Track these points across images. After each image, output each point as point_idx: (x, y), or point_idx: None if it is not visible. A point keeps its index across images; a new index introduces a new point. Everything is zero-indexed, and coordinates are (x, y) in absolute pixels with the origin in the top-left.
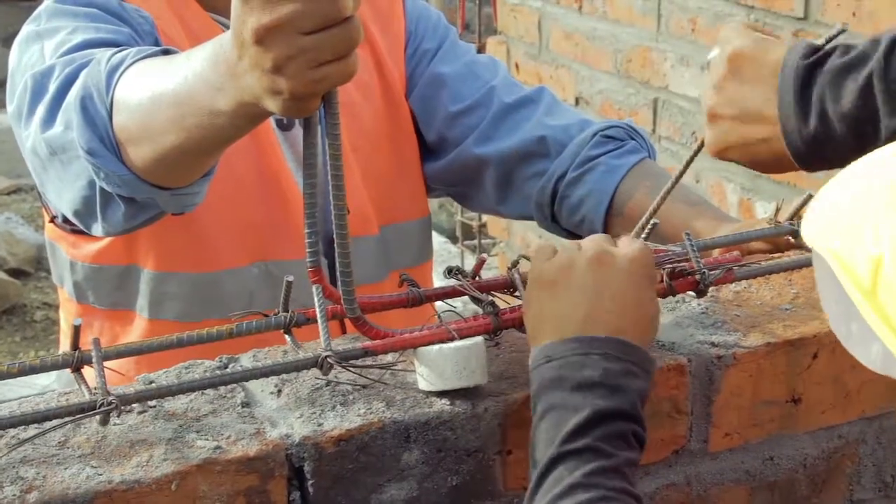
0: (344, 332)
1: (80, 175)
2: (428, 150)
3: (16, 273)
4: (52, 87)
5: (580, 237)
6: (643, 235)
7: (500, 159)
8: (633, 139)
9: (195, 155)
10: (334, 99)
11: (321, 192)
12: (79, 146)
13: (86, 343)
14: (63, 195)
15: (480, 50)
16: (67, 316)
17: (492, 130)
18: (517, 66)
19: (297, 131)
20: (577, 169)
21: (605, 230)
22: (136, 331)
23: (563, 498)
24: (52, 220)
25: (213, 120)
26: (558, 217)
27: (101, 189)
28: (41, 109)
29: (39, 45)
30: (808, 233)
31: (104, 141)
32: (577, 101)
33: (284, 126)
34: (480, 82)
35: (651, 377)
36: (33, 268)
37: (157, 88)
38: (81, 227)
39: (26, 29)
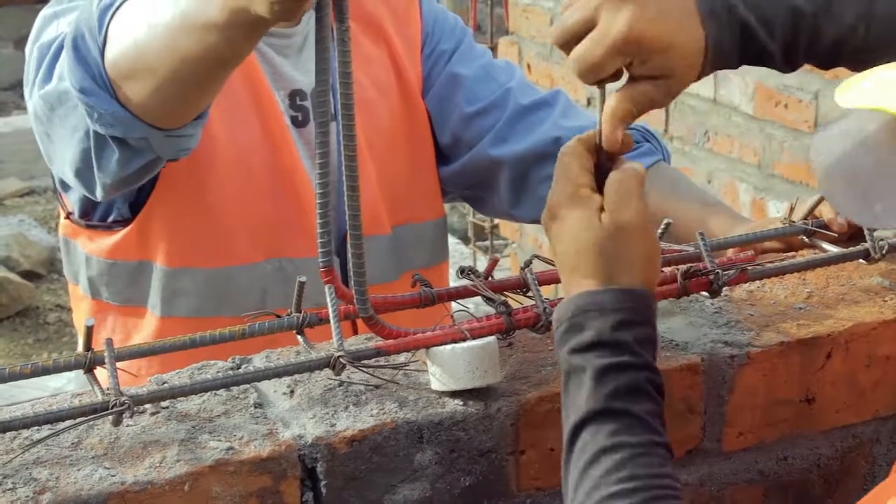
0: (356, 332)
1: (77, 126)
2: (441, 154)
3: (29, 275)
4: (53, 47)
5: None
6: (657, 235)
7: (514, 161)
8: (647, 141)
9: (190, 84)
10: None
11: (334, 189)
12: (71, 86)
13: (99, 342)
14: (66, 155)
15: (492, 50)
16: (80, 315)
17: (507, 132)
18: (529, 66)
19: (312, 128)
20: None
21: None
22: (147, 328)
23: (593, 465)
24: (69, 216)
25: (206, 37)
26: None
27: (96, 134)
28: (42, 71)
29: (55, 24)
30: (850, 97)
31: (96, 79)
32: (588, 102)
33: (299, 123)
34: (496, 84)
35: (650, 319)
36: (46, 270)
37: (150, 19)
38: (85, 192)
39: (45, 12)
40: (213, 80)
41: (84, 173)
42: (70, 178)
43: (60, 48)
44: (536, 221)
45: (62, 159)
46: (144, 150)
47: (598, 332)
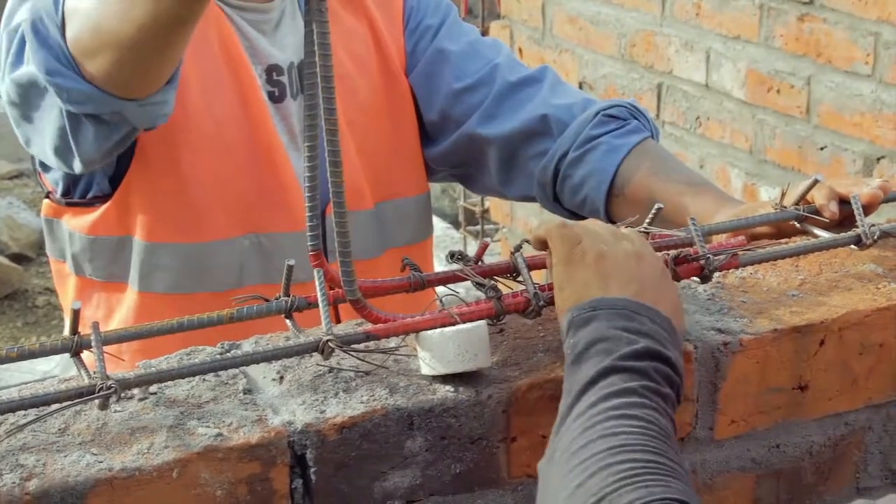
0: (338, 321)
1: (51, 106)
2: (428, 132)
3: (18, 258)
4: (20, 31)
5: (582, 217)
6: (648, 220)
7: (503, 139)
8: (635, 119)
9: (152, 50)
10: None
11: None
12: (37, 69)
13: (85, 319)
14: (44, 135)
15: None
16: (65, 293)
17: (495, 109)
18: (521, 50)
19: (289, 103)
20: (579, 148)
21: (607, 210)
22: (126, 303)
23: (618, 396)
24: (48, 195)
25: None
26: (560, 197)
27: (69, 113)
28: (11, 55)
29: (24, 7)
30: None
31: (60, 59)
32: (580, 86)
33: (276, 98)
34: (484, 60)
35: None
36: (35, 253)
37: None
38: (66, 169)
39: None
40: (173, 42)
41: (63, 151)
42: (50, 158)
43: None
44: (526, 199)
45: (41, 139)
46: (119, 123)
47: (653, 330)
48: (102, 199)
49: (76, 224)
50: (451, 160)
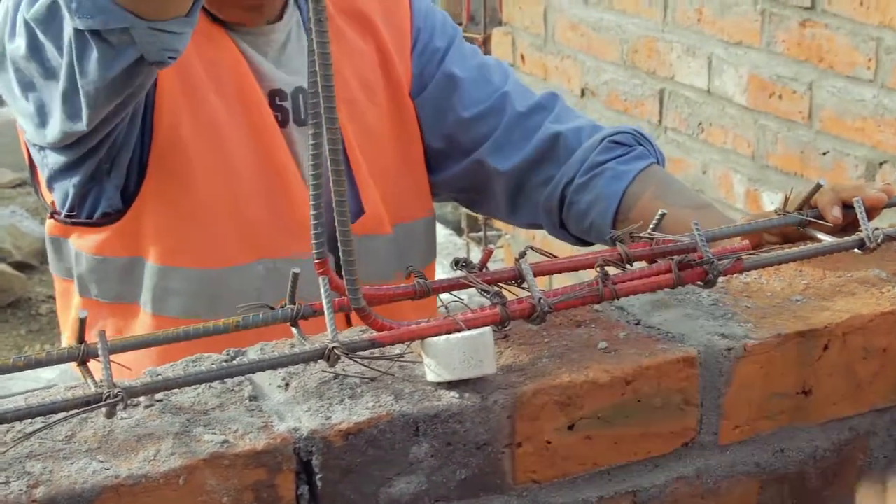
0: (349, 325)
1: (63, 38)
2: (430, 158)
3: (21, 266)
4: None
5: (589, 244)
6: (651, 226)
7: (512, 172)
8: (640, 145)
9: None
10: None
11: (326, 183)
12: None
13: (89, 339)
14: (54, 83)
15: (486, 41)
16: (66, 311)
17: (504, 140)
18: (523, 57)
19: (292, 129)
20: (585, 175)
21: None
22: (140, 326)
23: None
24: (53, 215)
25: None
26: (566, 223)
27: (76, 35)
28: (24, 5)
29: None
30: None
31: None
32: (582, 93)
33: (279, 123)
34: (492, 87)
35: None
36: (38, 261)
37: None
38: (71, 124)
39: None
40: None
41: (70, 95)
42: (58, 116)
43: None
44: (532, 226)
45: (51, 95)
46: (126, 47)
47: None
48: (111, 217)
49: (82, 244)
50: (455, 186)
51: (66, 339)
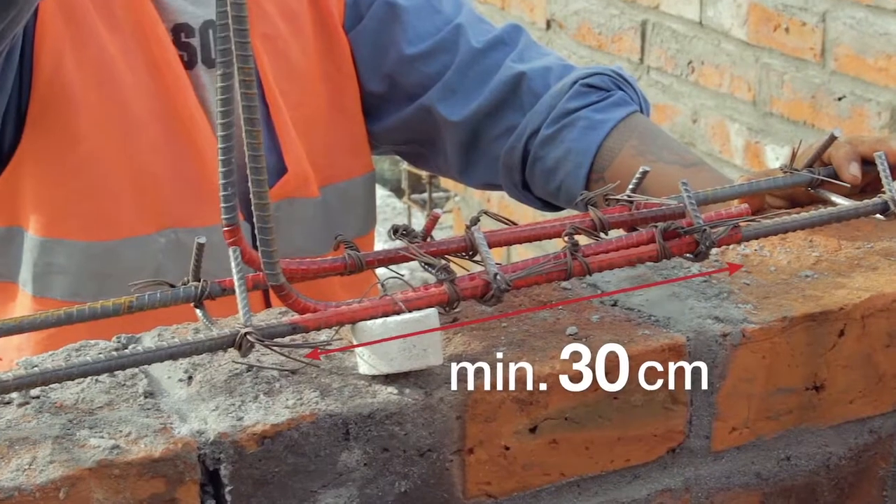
0: (268, 306)
1: None
2: (370, 103)
3: None
4: None
5: (557, 208)
6: (631, 187)
7: (466, 119)
8: (620, 89)
9: None
10: None
11: (238, 135)
12: None
13: None
14: None
15: None
16: None
17: (457, 82)
18: None
19: (200, 71)
20: (553, 125)
21: None
22: (19, 310)
23: None
24: None
25: None
26: (530, 183)
27: None
28: None
29: None
30: None
31: None
32: (548, 25)
33: (185, 65)
34: (442, 19)
35: None
36: None
37: None
38: None
39: None
40: None
41: None
42: None
43: None
44: (489, 187)
45: None
46: None
47: None
48: None
49: None
50: (396, 137)
51: None
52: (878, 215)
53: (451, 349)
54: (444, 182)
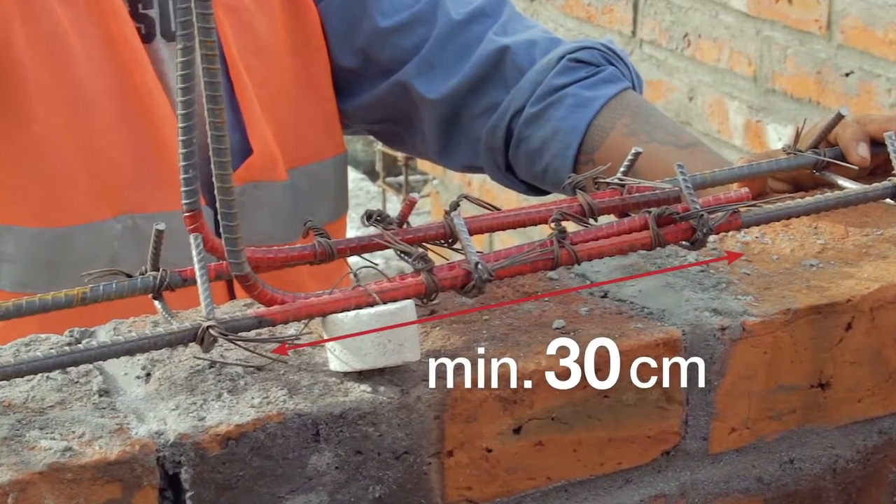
0: (232, 297)
1: None
2: (341, 80)
3: None
4: None
5: (543, 192)
6: (622, 170)
7: (446, 96)
8: (611, 64)
9: None
10: None
11: (200, 113)
12: None
13: None
14: None
15: None
16: None
17: (436, 56)
18: None
19: (159, 45)
20: (539, 102)
21: None
22: None
23: None
24: None
25: None
26: (514, 165)
27: None
28: None
29: None
30: None
31: None
32: None
33: (143, 38)
34: None
35: None
36: None
37: None
38: None
39: None
40: None
41: None
42: None
43: None
44: (470, 169)
45: None
46: None
47: None
48: None
49: None
50: (371, 116)
51: None
52: (888, 199)
53: (428, 344)
54: (422, 164)
